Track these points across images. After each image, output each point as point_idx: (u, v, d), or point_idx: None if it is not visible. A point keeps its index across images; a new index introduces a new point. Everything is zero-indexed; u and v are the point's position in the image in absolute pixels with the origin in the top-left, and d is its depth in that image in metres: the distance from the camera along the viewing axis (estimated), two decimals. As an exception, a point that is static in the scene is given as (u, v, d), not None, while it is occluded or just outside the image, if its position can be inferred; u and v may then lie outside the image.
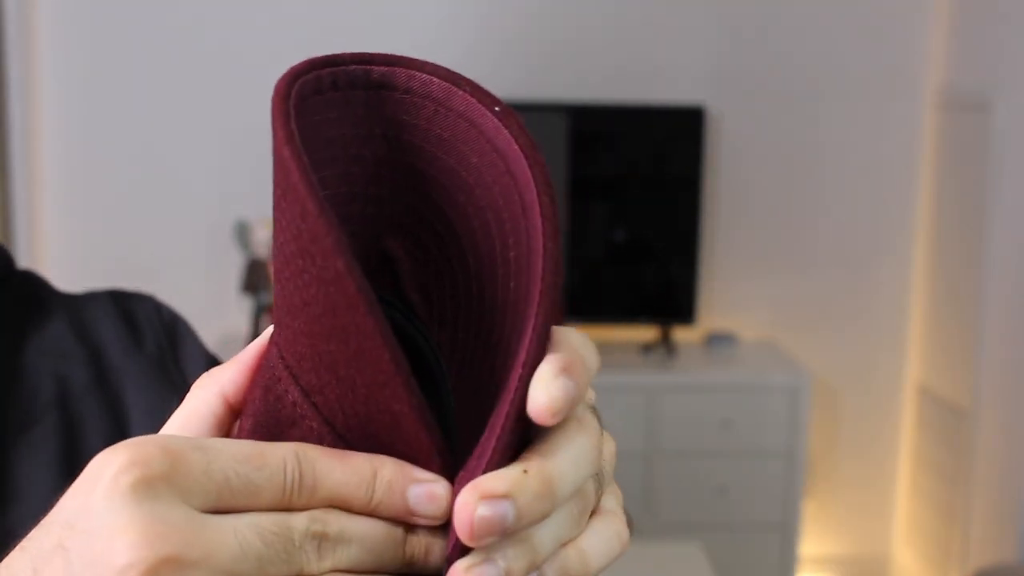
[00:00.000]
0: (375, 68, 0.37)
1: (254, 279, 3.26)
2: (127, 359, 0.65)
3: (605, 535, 0.36)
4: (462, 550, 0.33)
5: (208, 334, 2.61)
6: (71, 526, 0.32)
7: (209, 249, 3.46)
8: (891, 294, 3.62)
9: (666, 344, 3.43)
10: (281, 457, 0.33)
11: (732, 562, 3.23)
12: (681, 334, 3.56)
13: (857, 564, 3.67)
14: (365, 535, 0.34)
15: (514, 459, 0.33)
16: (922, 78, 3.54)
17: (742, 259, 3.59)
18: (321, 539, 0.33)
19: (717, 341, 3.53)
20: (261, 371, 0.37)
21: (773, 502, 3.28)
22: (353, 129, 0.37)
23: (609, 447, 0.39)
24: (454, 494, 0.34)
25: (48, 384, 0.62)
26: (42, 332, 0.64)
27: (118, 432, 0.62)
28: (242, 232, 3.30)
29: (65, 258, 3.45)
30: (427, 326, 0.40)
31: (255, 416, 0.36)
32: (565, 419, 0.34)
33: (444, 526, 0.35)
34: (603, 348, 3.45)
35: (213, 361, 0.68)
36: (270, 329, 0.38)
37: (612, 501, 0.38)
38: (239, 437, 0.37)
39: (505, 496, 0.32)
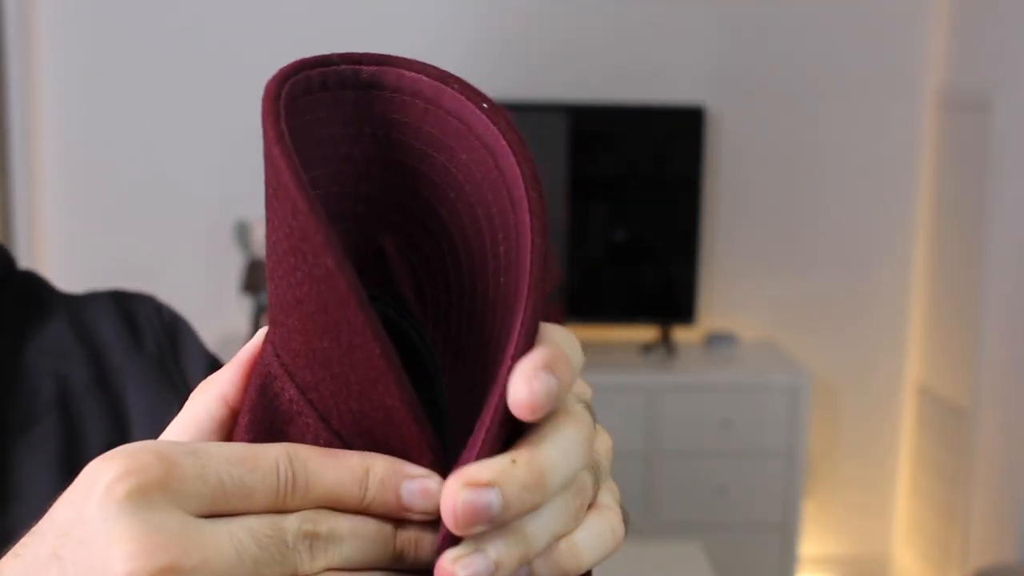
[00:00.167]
0: (364, 68, 0.37)
1: (254, 279, 3.26)
2: (127, 359, 0.65)
3: (598, 530, 0.36)
4: (453, 541, 0.33)
5: (208, 334, 2.61)
6: (66, 535, 0.31)
7: (209, 249, 3.47)
8: (891, 294, 3.62)
9: (666, 344, 3.43)
10: (273, 458, 0.33)
11: (732, 562, 3.23)
12: (681, 334, 3.56)
13: (857, 564, 3.67)
14: (355, 532, 0.34)
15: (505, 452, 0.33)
16: (922, 78, 3.54)
17: (742, 259, 3.59)
18: (313, 538, 0.33)
19: (717, 341, 3.53)
20: (257, 369, 0.37)
21: (773, 502, 3.28)
22: (343, 128, 0.38)
23: (605, 442, 0.39)
24: None
25: (48, 384, 0.62)
26: (43, 332, 0.64)
27: (118, 432, 0.62)
28: (242, 232, 3.30)
29: (65, 258, 3.45)
30: (421, 323, 0.40)
31: (252, 414, 0.36)
32: (555, 412, 0.35)
33: (435, 520, 0.35)
34: (603, 348, 3.45)
35: (213, 361, 0.68)
36: (264, 329, 0.38)
37: (608, 496, 0.38)
38: (237, 436, 0.37)
39: (490, 484, 0.32)
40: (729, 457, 3.28)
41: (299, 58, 0.36)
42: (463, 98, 0.38)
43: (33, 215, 3.41)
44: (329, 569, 0.34)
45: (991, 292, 3.11)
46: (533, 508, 0.33)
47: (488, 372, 0.37)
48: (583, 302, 3.45)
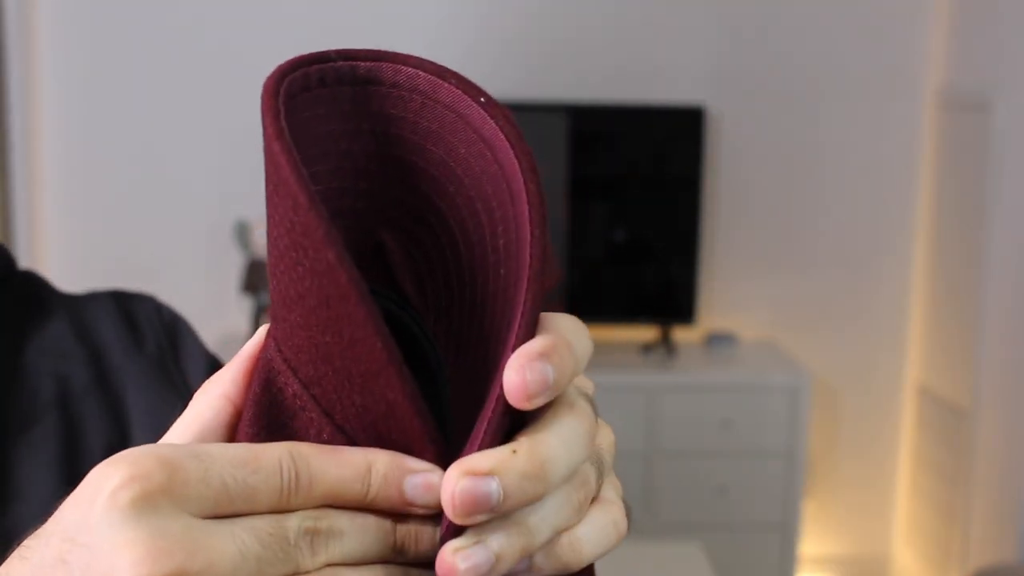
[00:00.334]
0: (361, 64, 0.38)
1: (254, 279, 3.26)
2: (128, 359, 0.65)
3: (601, 524, 0.36)
4: (455, 533, 0.33)
5: (208, 334, 2.61)
6: (72, 540, 0.32)
7: (209, 249, 3.47)
8: (891, 294, 3.62)
9: (666, 344, 3.43)
10: (276, 458, 0.33)
11: (732, 562, 3.23)
12: (681, 334, 3.56)
13: (857, 564, 3.67)
14: (355, 527, 0.34)
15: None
16: (922, 78, 3.54)
17: (742, 259, 3.59)
18: (313, 535, 0.33)
19: (717, 341, 3.53)
20: (259, 366, 0.37)
21: (773, 502, 3.28)
22: (341, 125, 0.38)
23: (607, 437, 0.39)
24: None
25: (48, 384, 0.62)
26: (43, 332, 0.64)
27: (118, 432, 0.62)
28: (242, 232, 3.30)
29: (65, 258, 3.45)
30: (422, 316, 0.40)
31: (256, 410, 0.36)
32: (556, 403, 0.35)
33: (437, 514, 0.35)
34: (603, 348, 3.45)
35: (213, 361, 0.68)
36: (265, 327, 0.38)
37: (611, 491, 0.38)
38: (240, 432, 0.37)
39: (490, 473, 0.32)
40: (729, 457, 3.28)
41: (296, 55, 0.36)
42: (460, 92, 0.38)
43: (33, 215, 3.41)
44: (330, 564, 0.34)
45: (991, 292, 3.11)
46: (534, 498, 0.33)
47: (489, 364, 0.37)
48: (583, 302, 3.45)
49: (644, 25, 3.47)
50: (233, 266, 3.45)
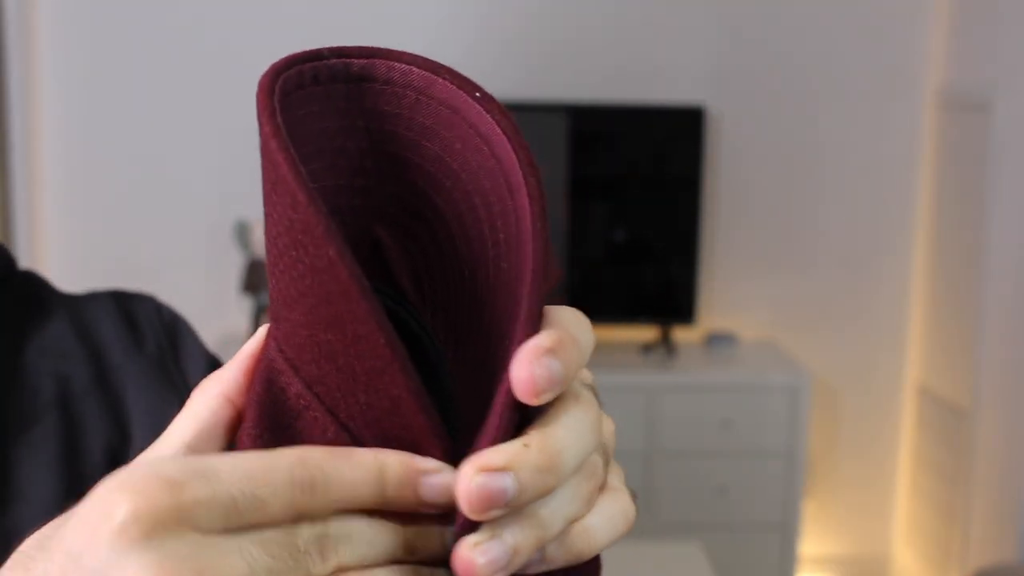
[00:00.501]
0: (355, 61, 0.38)
1: (254, 279, 3.26)
2: (128, 359, 0.65)
3: (610, 512, 0.36)
4: (469, 528, 0.33)
5: (208, 334, 2.61)
6: (77, 560, 0.31)
7: (209, 249, 3.47)
8: (891, 294, 3.62)
9: (666, 344, 3.43)
10: (286, 468, 0.33)
11: (732, 562, 3.23)
12: (681, 334, 3.56)
13: (857, 564, 3.67)
14: (365, 529, 0.34)
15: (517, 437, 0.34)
16: (922, 78, 3.54)
17: (742, 259, 3.59)
18: (323, 539, 0.33)
19: (717, 341, 3.53)
20: (261, 367, 0.37)
21: (773, 502, 3.28)
22: (335, 122, 0.38)
23: (609, 426, 0.39)
24: None
25: (48, 384, 0.62)
26: (43, 332, 0.64)
27: (118, 432, 0.62)
28: (242, 232, 3.30)
29: (65, 258, 3.45)
30: (420, 311, 0.40)
31: (259, 410, 0.36)
32: (563, 395, 0.35)
33: (446, 511, 0.35)
34: (603, 348, 3.45)
35: (213, 361, 0.68)
36: (265, 326, 0.38)
37: (615, 479, 0.38)
38: (243, 434, 0.37)
39: (504, 468, 0.32)
40: (729, 457, 3.28)
41: (290, 53, 0.36)
42: (455, 87, 0.38)
43: (33, 215, 3.41)
44: (340, 569, 0.33)
45: (991, 292, 3.11)
46: (548, 491, 0.33)
47: (493, 358, 0.37)
48: (583, 302, 3.44)
49: (644, 25, 3.47)
50: (233, 266, 3.45)
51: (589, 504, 0.36)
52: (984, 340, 3.13)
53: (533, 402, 0.33)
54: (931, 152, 3.53)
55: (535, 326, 0.34)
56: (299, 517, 0.33)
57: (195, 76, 3.42)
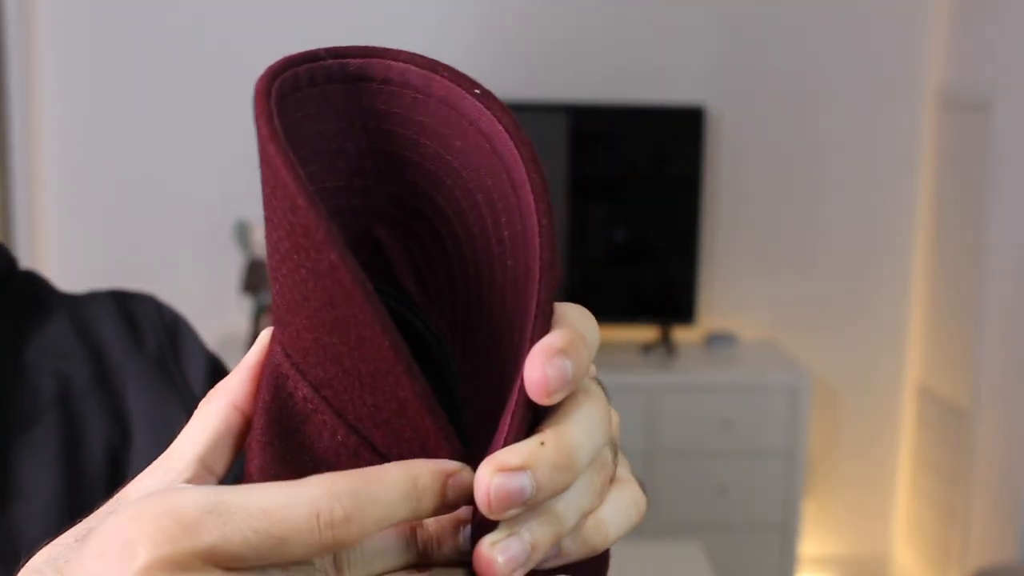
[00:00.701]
0: (351, 61, 0.37)
1: (254, 279, 3.26)
2: (128, 359, 0.65)
3: (622, 504, 0.37)
4: (486, 527, 0.33)
5: (208, 334, 2.60)
6: None
7: (209, 249, 3.47)
8: (891, 294, 3.62)
9: (666, 344, 3.43)
10: (308, 501, 0.31)
11: (732, 562, 3.23)
12: (681, 334, 3.56)
13: (857, 564, 3.67)
14: (377, 539, 0.34)
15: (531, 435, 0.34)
16: (922, 78, 3.54)
17: (742, 259, 3.59)
18: (337, 556, 0.33)
19: (717, 341, 3.53)
20: (267, 372, 0.37)
21: (773, 502, 3.28)
22: (333, 123, 0.38)
23: (614, 418, 0.39)
24: None
25: (49, 384, 0.62)
26: (43, 332, 0.64)
27: (118, 432, 0.62)
28: (242, 232, 3.30)
29: (65, 258, 3.45)
30: (424, 311, 0.40)
31: (267, 416, 0.36)
32: (573, 392, 0.35)
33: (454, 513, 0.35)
34: (603, 348, 3.45)
35: (214, 361, 0.68)
36: (268, 331, 0.38)
37: (624, 470, 0.38)
38: (252, 440, 0.37)
39: (521, 467, 0.32)
40: (729, 457, 3.28)
41: (285, 55, 0.36)
42: (453, 85, 0.37)
43: (33, 215, 3.41)
44: None
45: (991, 292, 3.11)
46: (564, 488, 0.33)
47: (503, 355, 0.37)
48: (583, 302, 3.41)
49: (644, 25, 3.47)
50: (233, 266, 3.45)
51: (601, 497, 0.36)
52: (984, 340, 3.13)
53: (546, 402, 0.33)
54: (931, 152, 3.53)
55: (546, 324, 0.34)
56: (334, 547, 0.31)
57: (195, 76, 3.42)
